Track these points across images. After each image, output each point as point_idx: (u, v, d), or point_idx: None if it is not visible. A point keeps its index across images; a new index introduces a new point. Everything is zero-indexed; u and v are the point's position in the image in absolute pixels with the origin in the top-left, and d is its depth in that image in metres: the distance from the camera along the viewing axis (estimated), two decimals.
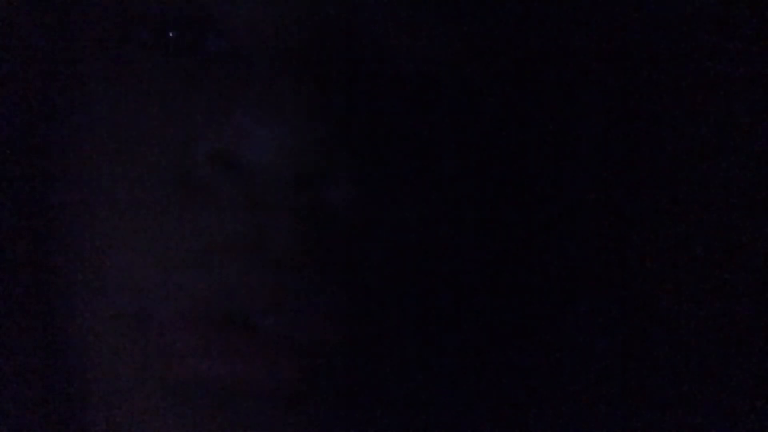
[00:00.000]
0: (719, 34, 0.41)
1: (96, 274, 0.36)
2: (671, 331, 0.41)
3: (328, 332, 0.35)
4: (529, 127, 0.38)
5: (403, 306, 0.36)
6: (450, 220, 0.36)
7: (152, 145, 0.36)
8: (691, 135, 0.41)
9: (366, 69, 0.36)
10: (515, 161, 0.38)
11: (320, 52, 0.35)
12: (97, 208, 0.36)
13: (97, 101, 0.37)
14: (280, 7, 0.35)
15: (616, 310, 0.41)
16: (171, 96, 0.36)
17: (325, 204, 0.34)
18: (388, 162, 0.36)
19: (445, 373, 0.37)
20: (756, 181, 0.41)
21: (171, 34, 0.37)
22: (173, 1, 0.36)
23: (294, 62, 0.35)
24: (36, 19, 0.40)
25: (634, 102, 0.40)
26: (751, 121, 0.41)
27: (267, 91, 0.34)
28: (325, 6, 0.35)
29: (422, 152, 0.36)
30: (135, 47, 0.37)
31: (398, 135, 0.36)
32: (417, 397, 0.37)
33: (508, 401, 0.39)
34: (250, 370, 0.34)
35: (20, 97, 0.40)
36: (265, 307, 0.34)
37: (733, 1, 0.41)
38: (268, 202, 0.34)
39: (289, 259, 0.34)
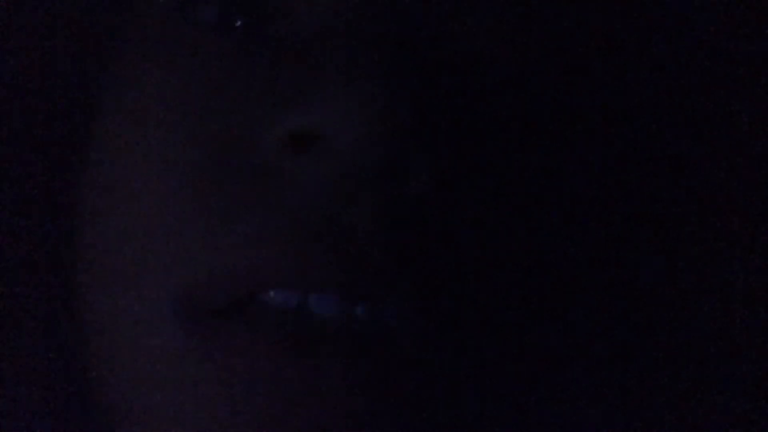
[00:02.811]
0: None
1: (149, 263, 0.35)
2: (672, 332, 0.41)
3: (404, 325, 0.34)
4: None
5: (480, 302, 0.35)
6: (531, 216, 0.35)
7: (223, 130, 0.34)
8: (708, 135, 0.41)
9: (448, 55, 0.35)
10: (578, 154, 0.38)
11: (398, 37, 0.34)
12: (167, 191, 0.35)
13: (161, 84, 0.36)
14: None
15: (619, 311, 0.41)
16: (235, 81, 0.35)
17: (398, 193, 0.33)
18: (472, 149, 0.34)
19: (527, 371, 0.37)
20: (756, 181, 0.41)
21: (239, 23, 0.35)
22: None
23: (369, 47, 0.33)
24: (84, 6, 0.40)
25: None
26: (751, 121, 0.41)
27: (350, 71, 0.32)
28: None
29: (508, 144, 0.35)
30: (201, 30, 0.36)
31: (483, 122, 0.35)
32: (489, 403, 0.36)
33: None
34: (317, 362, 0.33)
35: (79, 78, 0.39)
36: (332, 294, 0.33)
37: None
38: (343, 187, 0.33)
39: (368, 249, 0.33)
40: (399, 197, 0.33)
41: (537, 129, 0.36)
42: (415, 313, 0.34)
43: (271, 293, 0.34)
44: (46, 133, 0.40)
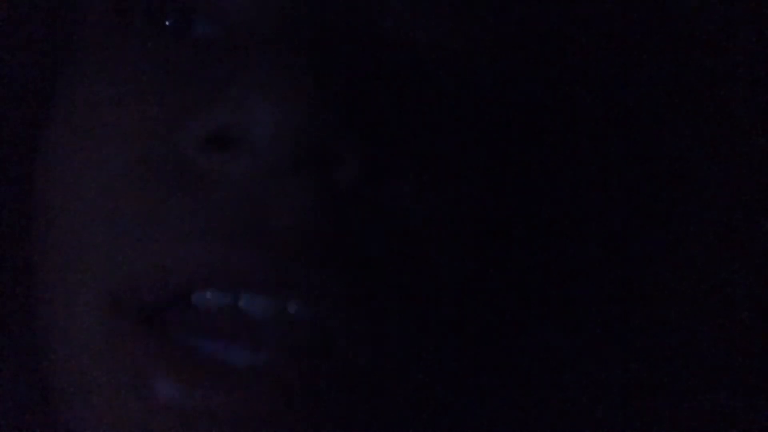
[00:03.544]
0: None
1: (83, 261, 0.35)
2: (672, 331, 0.41)
3: (331, 320, 0.34)
4: (541, 116, 0.38)
5: (408, 294, 0.34)
6: (457, 201, 0.35)
7: (144, 130, 0.34)
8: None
9: (364, 46, 0.35)
10: (527, 150, 0.38)
11: (317, 28, 0.34)
12: (87, 194, 0.35)
13: (96, 87, 0.36)
14: None
15: (617, 312, 0.41)
16: (162, 81, 0.35)
17: (325, 185, 0.33)
18: (389, 140, 0.34)
19: (450, 367, 0.36)
20: (756, 181, 0.41)
21: (168, 23, 0.36)
22: None
23: (289, 42, 0.33)
24: (29, 8, 0.40)
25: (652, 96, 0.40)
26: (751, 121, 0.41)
27: (265, 70, 0.32)
28: None
29: (428, 130, 0.35)
30: (133, 32, 0.36)
31: (400, 111, 0.35)
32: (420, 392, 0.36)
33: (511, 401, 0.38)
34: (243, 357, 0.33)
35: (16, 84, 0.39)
36: (264, 294, 0.33)
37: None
38: (266, 183, 0.32)
39: (290, 244, 0.32)
40: (328, 189, 0.33)
41: (474, 117, 0.36)
42: (350, 310, 0.34)
43: (205, 294, 0.34)
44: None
